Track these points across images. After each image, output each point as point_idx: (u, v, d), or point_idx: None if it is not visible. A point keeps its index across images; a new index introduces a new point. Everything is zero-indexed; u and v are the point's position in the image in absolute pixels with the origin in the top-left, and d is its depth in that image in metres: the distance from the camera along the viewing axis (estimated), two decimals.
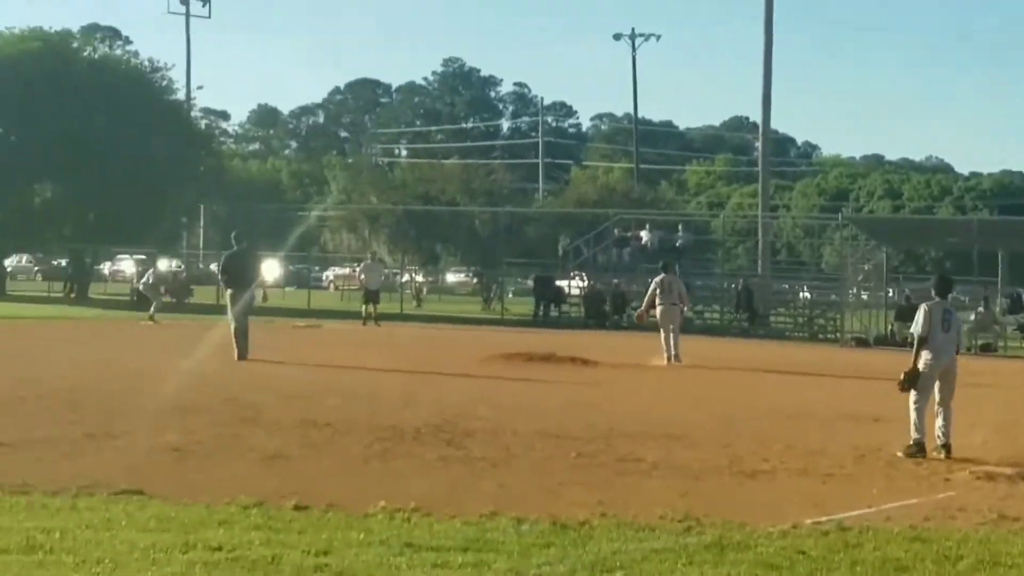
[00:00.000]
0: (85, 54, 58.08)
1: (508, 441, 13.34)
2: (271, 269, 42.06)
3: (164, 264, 62.05)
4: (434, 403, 16.69)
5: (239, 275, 23.18)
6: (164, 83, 58.06)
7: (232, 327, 22.77)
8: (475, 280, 62.17)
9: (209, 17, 78.54)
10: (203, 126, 69.18)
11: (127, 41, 74.09)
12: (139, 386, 17.59)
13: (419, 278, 61.49)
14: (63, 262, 63.64)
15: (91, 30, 77.07)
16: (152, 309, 36.22)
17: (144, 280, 39.85)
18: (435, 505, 9.64)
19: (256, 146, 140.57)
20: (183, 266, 60.48)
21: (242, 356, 22.44)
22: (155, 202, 53.11)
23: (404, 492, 10.17)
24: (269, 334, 32.60)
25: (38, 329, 32.33)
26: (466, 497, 10.17)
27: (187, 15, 76.74)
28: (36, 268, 73.38)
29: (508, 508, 9.55)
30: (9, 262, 61.78)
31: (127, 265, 68.72)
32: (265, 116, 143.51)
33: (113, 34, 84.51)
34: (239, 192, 74.25)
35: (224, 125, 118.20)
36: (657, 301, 26.46)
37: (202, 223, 62.27)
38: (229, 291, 23.13)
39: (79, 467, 10.79)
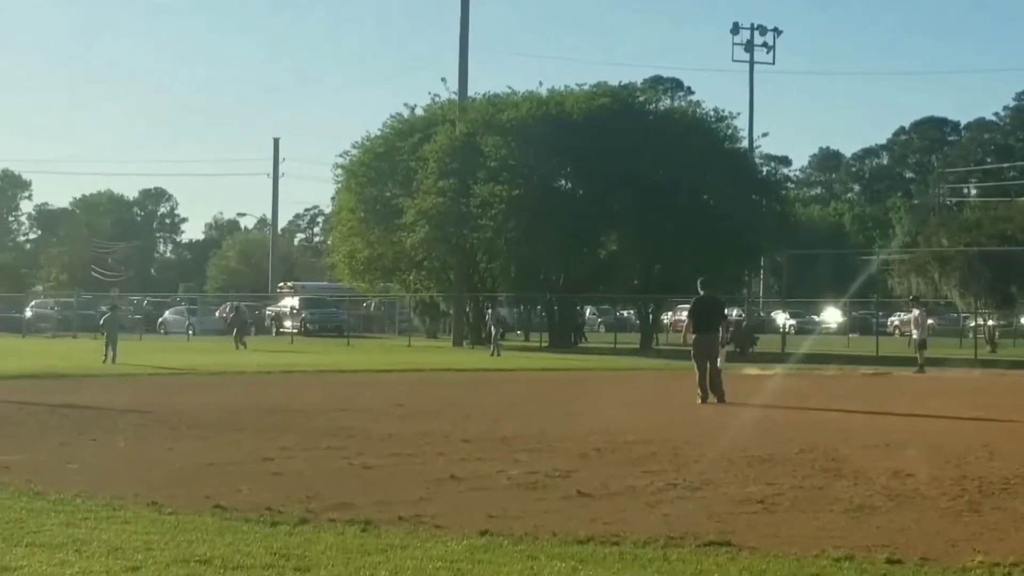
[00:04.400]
0: (650, 107, 59.87)
1: None
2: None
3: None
4: (1018, 453, 15.78)
5: (704, 320, 24.23)
6: (728, 132, 58.80)
7: (697, 373, 23.78)
8: None
9: (773, 63, 79.32)
10: (764, 173, 69.45)
11: (689, 92, 75.74)
12: (708, 436, 17.59)
13: (991, 322, 58.75)
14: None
15: (655, 82, 79.39)
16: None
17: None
18: None
19: (817, 191, 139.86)
20: (743, 315, 60.76)
21: (704, 399, 23.46)
22: (717, 251, 53.74)
23: (1000, 546, 9.65)
24: (837, 383, 32.20)
25: (600, 382, 33.32)
26: None
27: (751, 63, 77.85)
28: (600, 320, 76.27)
29: None
30: None
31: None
32: (826, 160, 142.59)
33: (675, 85, 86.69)
34: (800, 239, 74.04)
35: (785, 171, 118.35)
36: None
37: (762, 271, 62.37)
38: (694, 336, 24.09)
39: (664, 518, 10.79)
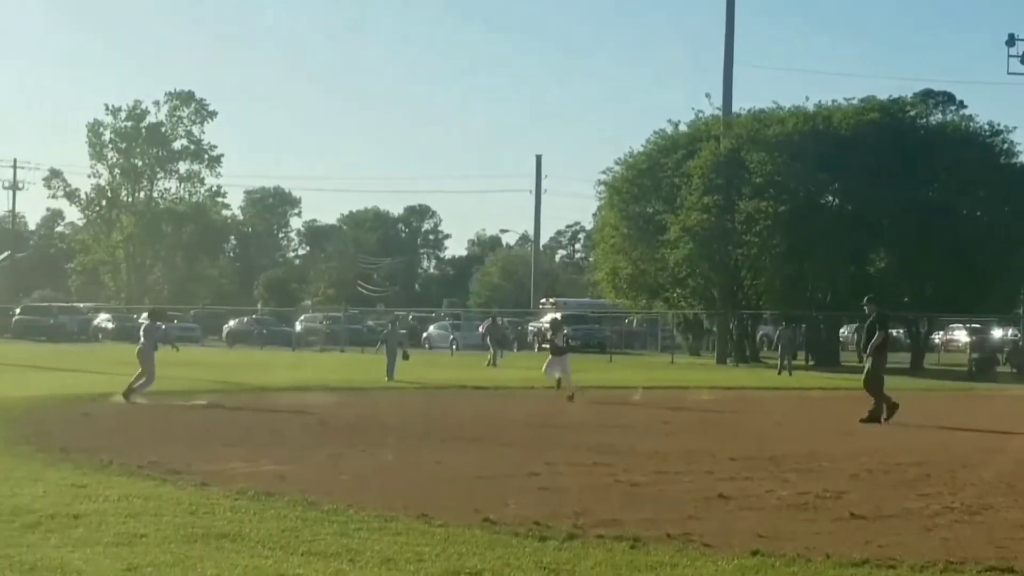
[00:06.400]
0: (921, 121, 58.41)
1: None
2: None
3: (999, 333, 60.71)
4: None
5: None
6: (1004, 146, 56.88)
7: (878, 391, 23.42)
8: None
9: None
10: None
11: (961, 105, 73.17)
12: (984, 458, 16.99)
13: None
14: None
15: (925, 96, 77.21)
16: None
17: None
18: None
19: None
20: (1019, 334, 58.46)
21: (888, 415, 23.11)
22: (993, 269, 51.94)
23: None
24: None
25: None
26: None
27: None
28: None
29: None
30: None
31: (960, 335, 67.91)
32: None
33: (947, 99, 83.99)
34: None
35: None
36: None
37: None
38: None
39: (942, 542, 10.39)
